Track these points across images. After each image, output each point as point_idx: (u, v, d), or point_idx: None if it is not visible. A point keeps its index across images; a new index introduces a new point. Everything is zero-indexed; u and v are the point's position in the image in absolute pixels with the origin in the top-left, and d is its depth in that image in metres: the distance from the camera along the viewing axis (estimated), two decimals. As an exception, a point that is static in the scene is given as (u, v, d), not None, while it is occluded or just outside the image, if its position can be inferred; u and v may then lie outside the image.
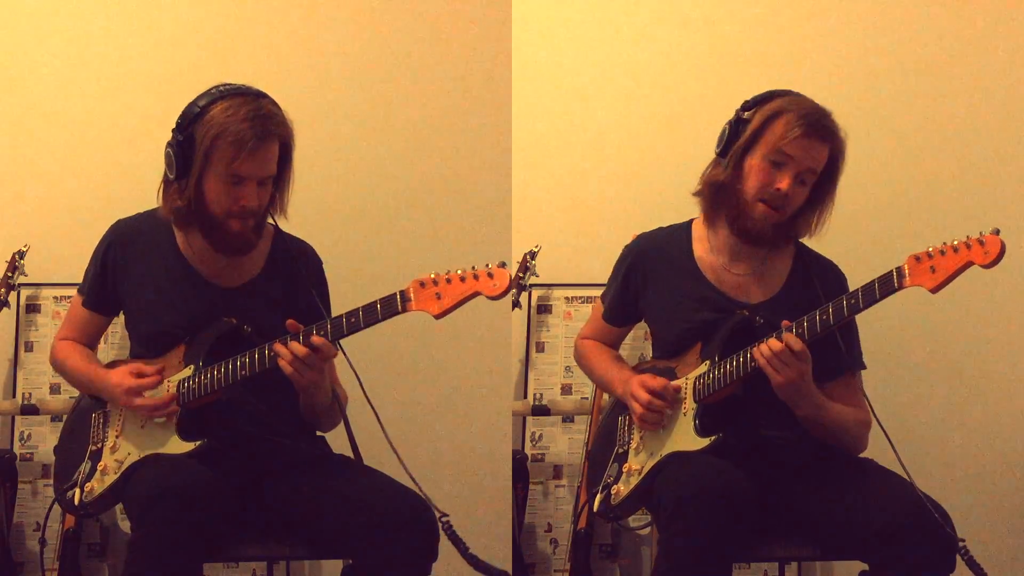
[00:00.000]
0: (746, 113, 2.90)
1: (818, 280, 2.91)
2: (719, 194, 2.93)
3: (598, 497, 2.98)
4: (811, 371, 2.78)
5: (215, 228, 2.86)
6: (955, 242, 2.55)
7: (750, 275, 2.94)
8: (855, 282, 2.80)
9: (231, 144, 2.78)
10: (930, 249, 2.57)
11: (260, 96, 2.85)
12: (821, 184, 2.91)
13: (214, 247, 2.90)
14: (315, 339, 2.76)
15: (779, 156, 2.85)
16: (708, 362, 2.87)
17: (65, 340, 3.06)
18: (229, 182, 2.82)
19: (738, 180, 2.90)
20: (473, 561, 2.73)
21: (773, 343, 2.74)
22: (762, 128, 2.87)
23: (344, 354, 2.88)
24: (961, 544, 2.64)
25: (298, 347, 2.76)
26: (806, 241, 3.00)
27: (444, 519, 2.74)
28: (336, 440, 3.02)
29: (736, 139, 2.90)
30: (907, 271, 2.59)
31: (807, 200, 2.91)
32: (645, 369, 3.03)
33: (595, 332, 3.20)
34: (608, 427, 3.08)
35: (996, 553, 3.70)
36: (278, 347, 2.77)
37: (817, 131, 2.85)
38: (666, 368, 2.96)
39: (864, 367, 2.97)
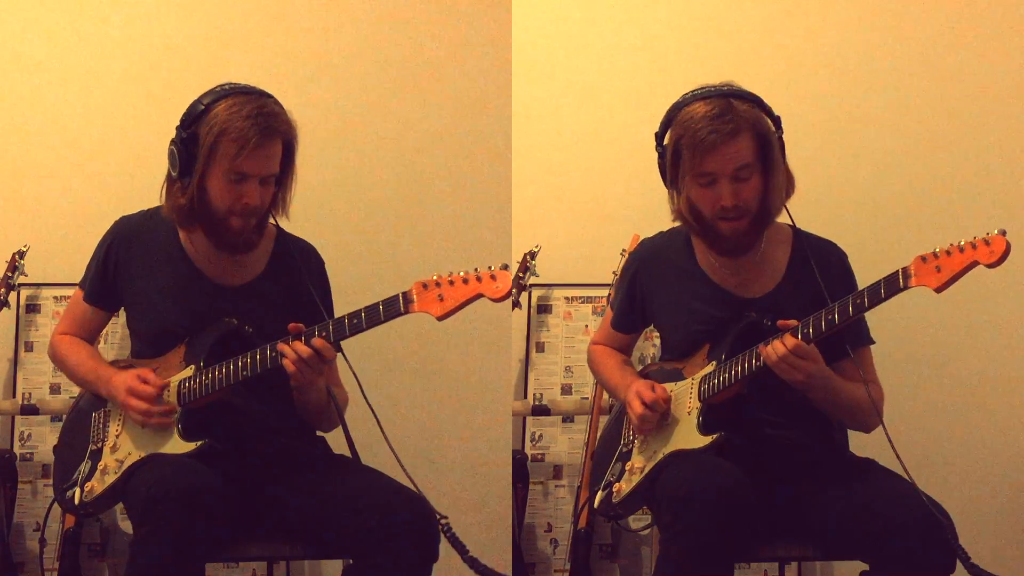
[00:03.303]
0: (659, 146, 2.87)
1: (818, 265, 2.89)
2: (689, 221, 2.90)
3: (599, 495, 2.99)
4: (821, 365, 2.77)
5: (216, 226, 2.87)
6: (961, 242, 2.56)
7: (750, 269, 2.93)
8: (862, 280, 2.80)
9: (234, 141, 2.79)
10: (936, 250, 2.58)
11: (264, 95, 2.86)
12: (765, 161, 2.83)
13: (215, 245, 2.90)
14: (316, 341, 2.76)
15: (703, 177, 2.81)
16: (715, 363, 2.87)
17: (66, 335, 3.06)
18: (232, 179, 2.82)
19: (692, 205, 2.86)
20: (473, 564, 2.73)
21: (782, 344, 2.73)
22: (675, 157, 2.83)
23: (344, 356, 2.88)
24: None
25: (302, 347, 2.76)
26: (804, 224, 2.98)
27: (443, 521, 2.74)
28: (336, 440, 3.02)
29: (665, 171, 2.88)
30: (912, 271, 2.60)
31: (763, 181, 2.84)
32: (652, 371, 3.04)
33: (606, 338, 3.20)
34: (614, 426, 3.08)
35: (996, 553, 3.70)
36: (282, 347, 2.77)
37: (719, 138, 2.76)
38: (673, 369, 2.97)
39: (873, 342, 2.95)
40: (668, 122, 2.87)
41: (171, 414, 2.84)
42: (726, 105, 2.81)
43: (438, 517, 2.73)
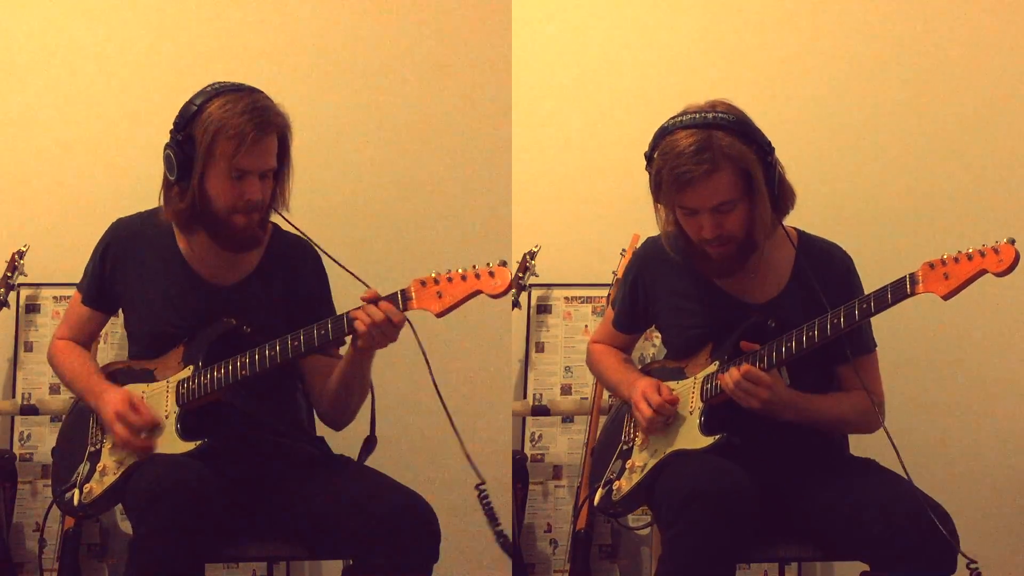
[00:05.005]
0: (648, 165, 2.83)
1: (822, 271, 2.88)
2: (676, 244, 2.89)
3: (599, 492, 2.98)
4: (779, 390, 2.77)
5: (220, 226, 2.86)
6: (970, 250, 2.56)
7: (754, 274, 2.92)
8: (869, 286, 2.79)
9: (232, 138, 2.79)
10: (944, 256, 2.58)
11: (254, 91, 2.86)
12: (749, 192, 2.78)
13: (220, 245, 2.90)
14: (383, 304, 2.74)
15: (685, 211, 2.80)
16: (718, 363, 2.87)
17: (64, 340, 3.05)
18: (232, 177, 2.82)
19: (680, 225, 2.85)
20: (499, 538, 2.75)
21: (736, 371, 2.74)
22: (658, 184, 2.79)
23: (414, 333, 2.84)
24: (974, 567, 2.63)
25: (376, 311, 2.74)
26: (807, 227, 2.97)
27: (482, 487, 2.73)
28: (336, 441, 3.02)
29: (652, 190, 2.84)
30: (920, 278, 2.59)
31: (748, 211, 2.79)
32: (654, 369, 3.03)
33: (606, 337, 3.19)
34: (614, 423, 3.07)
35: (996, 553, 3.69)
36: (355, 313, 2.75)
37: (696, 177, 2.71)
38: (675, 368, 2.96)
39: (874, 347, 2.93)
40: (655, 145, 2.82)
41: (150, 448, 2.82)
42: (706, 140, 2.73)
43: (476, 483, 2.73)
